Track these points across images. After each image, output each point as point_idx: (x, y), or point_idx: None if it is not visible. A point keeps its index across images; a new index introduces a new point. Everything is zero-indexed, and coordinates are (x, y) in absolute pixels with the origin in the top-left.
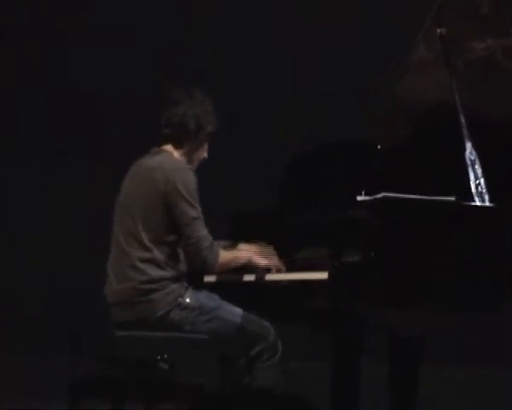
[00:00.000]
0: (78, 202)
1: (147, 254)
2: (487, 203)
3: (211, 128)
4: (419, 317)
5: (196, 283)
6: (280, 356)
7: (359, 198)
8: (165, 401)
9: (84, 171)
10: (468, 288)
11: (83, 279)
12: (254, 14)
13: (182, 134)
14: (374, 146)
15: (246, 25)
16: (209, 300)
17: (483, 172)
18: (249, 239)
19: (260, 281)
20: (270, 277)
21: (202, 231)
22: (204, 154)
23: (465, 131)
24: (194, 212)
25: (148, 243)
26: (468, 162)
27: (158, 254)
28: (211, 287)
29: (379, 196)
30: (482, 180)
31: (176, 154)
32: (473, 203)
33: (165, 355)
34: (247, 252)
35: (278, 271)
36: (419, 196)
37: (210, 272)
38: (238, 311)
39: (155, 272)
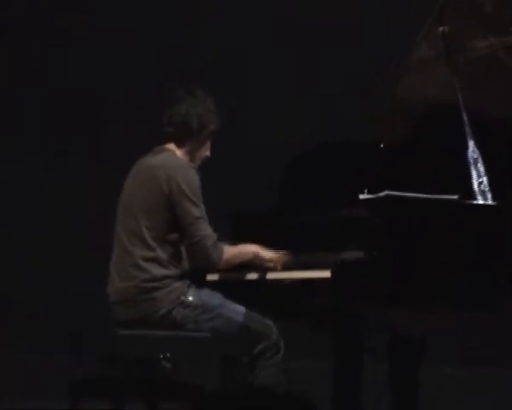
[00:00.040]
0: (78, 202)
1: (150, 253)
2: (490, 202)
3: (213, 127)
4: (419, 316)
5: (199, 281)
6: (283, 355)
7: (362, 196)
8: (167, 400)
9: (84, 171)
10: (469, 287)
11: (83, 279)
12: (254, 14)
13: (184, 133)
14: (374, 146)
15: (246, 25)
16: (212, 298)
17: (485, 170)
18: (249, 239)
19: (263, 279)
20: (272, 275)
21: (206, 230)
22: (206, 152)
23: (467, 130)
24: (197, 211)
25: (150, 242)
26: (471, 161)
27: (161, 253)
28: (213, 285)
29: (382, 194)
30: (485, 179)
31: (178, 152)
32: (475, 202)
33: (168, 354)
34: (251, 246)
35: (284, 265)
36: (422, 195)
37: (215, 271)
38: (241, 309)
39: (158, 271)
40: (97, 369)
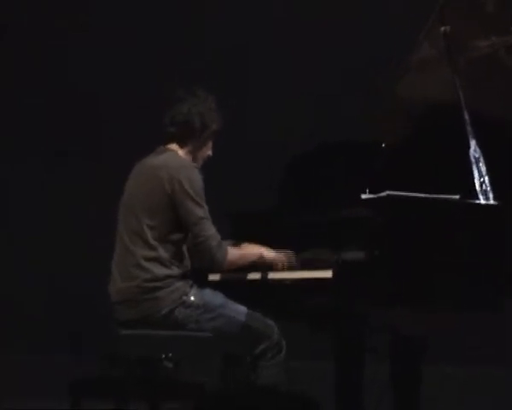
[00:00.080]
0: (78, 202)
1: (152, 253)
2: (492, 201)
3: (215, 126)
4: (420, 316)
5: (201, 281)
6: (284, 355)
7: (364, 196)
8: (169, 400)
9: (84, 171)
10: (469, 287)
11: (83, 279)
12: (254, 14)
13: (187, 132)
14: (374, 146)
15: (246, 25)
16: (214, 298)
17: (487, 169)
18: (249, 239)
19: (265, 279)
20: (274, 275)
21: (210, 230)
22: (208, 152)
23: (469, 129)
24: (201, 211)
25: (152, 242)
26: (473, 160)
27: (163, 253)
28: (215, 285)
29: (383, 194)
30: (486, 178)
31: (181, 152)
32: (477, 201)
33: (170, 354)
34: (256, 248)
35: (290, 265)
36: (424, 195)
37: (218, 271)
38: (242, 309)
39: (160, 271)
40: (98, 369)
